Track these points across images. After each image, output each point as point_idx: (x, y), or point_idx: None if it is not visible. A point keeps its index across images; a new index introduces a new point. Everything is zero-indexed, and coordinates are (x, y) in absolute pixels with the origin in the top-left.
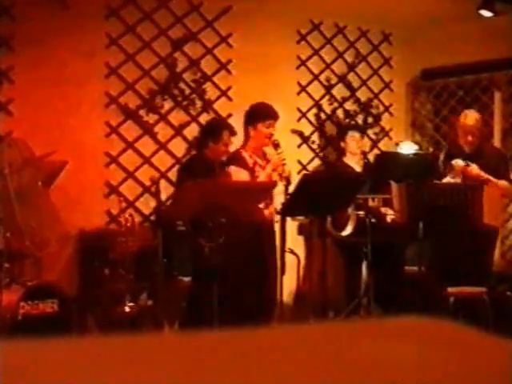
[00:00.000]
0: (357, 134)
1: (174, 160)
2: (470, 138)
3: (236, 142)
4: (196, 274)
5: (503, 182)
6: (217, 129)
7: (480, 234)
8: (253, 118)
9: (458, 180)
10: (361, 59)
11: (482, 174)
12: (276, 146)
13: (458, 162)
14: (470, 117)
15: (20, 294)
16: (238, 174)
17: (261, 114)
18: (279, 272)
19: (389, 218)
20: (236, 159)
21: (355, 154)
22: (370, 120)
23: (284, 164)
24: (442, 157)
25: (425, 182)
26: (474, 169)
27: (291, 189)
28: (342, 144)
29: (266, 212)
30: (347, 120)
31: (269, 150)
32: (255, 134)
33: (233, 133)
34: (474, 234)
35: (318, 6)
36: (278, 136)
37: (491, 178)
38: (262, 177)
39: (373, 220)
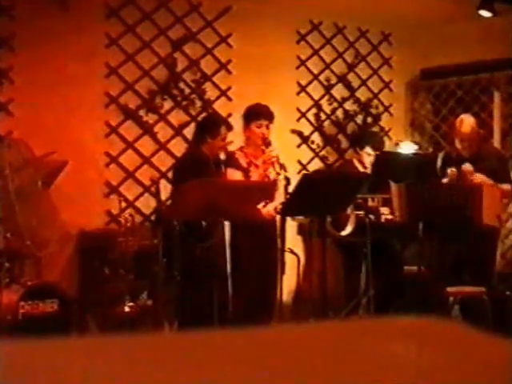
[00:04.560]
0: (373, 153)
1: (174, 160)
2: (466, 144)
3: (237, 143)
4: (189, 274)
5: (506, 186)
6: (214, 124)
7: (480, 234)
8: (247, 119)
9: None
10: (360, 59)
11: (486, 180)
12: (267, 144)
13: (453, 170)
14: (466, 124)
15: (20, 293)
16: (233, 175)
17: (253, 114)
18: (279, 272)
19: (383, 218)
20: (230, 160)
21: (365, 168)
22: (369, 120)
23: (273, 162)
24: (439, 162)
25: (424, 182)
26: (478, 177)
27: (291, 189)
28: (358, 149)
29: (264, 211)
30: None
31: (265, 149)
32: (249, 134)
33: (229, 128)
34: (474, 234)
35: (317, 6)
36: (278, 136)
37: (493, 183)
38: (254, 176)
39: (372, 217)
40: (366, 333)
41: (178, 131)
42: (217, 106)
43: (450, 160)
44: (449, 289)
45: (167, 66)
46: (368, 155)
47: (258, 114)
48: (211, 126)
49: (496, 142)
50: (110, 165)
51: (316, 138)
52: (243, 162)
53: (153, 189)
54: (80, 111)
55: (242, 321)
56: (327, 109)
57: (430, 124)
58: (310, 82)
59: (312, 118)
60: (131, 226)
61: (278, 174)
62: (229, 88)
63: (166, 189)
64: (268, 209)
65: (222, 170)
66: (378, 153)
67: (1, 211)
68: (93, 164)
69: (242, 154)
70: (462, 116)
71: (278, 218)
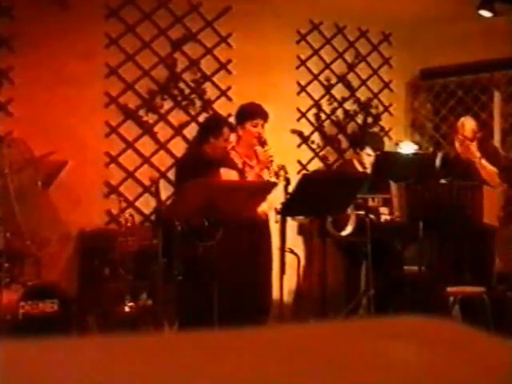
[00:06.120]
0: (373, 154)
1: (174, 160)
2: (467, 146)
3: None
4: (190, 274)
5: (492, 167)
6: (217, 124)
7: (480, 234)
8: (241, 118)
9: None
10: (360, 59)
11: (477, 154)
12: (263, 143)
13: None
14: (467, 128)
15: (20, 293)
16: (228, 175)
17: (248, 114)
18: (279, 272)
19: (383, 218)
20: (225, 160)
21: (365, 168)
22: (369, 120)
23: (271, 161)
24: (438, 162)
25: (424, 182)
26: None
27: (291, 189)
28: (358, 150)
29: (259, 210)
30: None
31: (260, 149)
32: (244, 133)
33: (232, 129)
34: (474, 234)
35: (317, 5)
36: (278, 136)
37: (483, 161)
38: (250, 177)
39: (372, 217)
40: (366, 333)
41: (177, 131)
42: (217, 105)
43: (449, 160)
44: (449, 289)
45: (167, 66)
46: (368, 156)
47: (253, 113)
48: (214, 126)
49: (496, 141)
50: (110, 165)
51: (316, 137)
52: (238, 162)
53: (153, 189)
54: (80, 111)
55: (236, 319)
56: (327, 109)
57: (430, 124)
58: (309, 82)
59: (312, 118)
60: (131, 226)
61: (277, 174)
62: (229, 88)
63: (165, 189)
64: (262, 208)
65: (217, 171)
66: (378, 153)
67: (1, 211)
68: (93, 164)
69: (236, 154)
70: (463, 119)
71: (277, 218)
